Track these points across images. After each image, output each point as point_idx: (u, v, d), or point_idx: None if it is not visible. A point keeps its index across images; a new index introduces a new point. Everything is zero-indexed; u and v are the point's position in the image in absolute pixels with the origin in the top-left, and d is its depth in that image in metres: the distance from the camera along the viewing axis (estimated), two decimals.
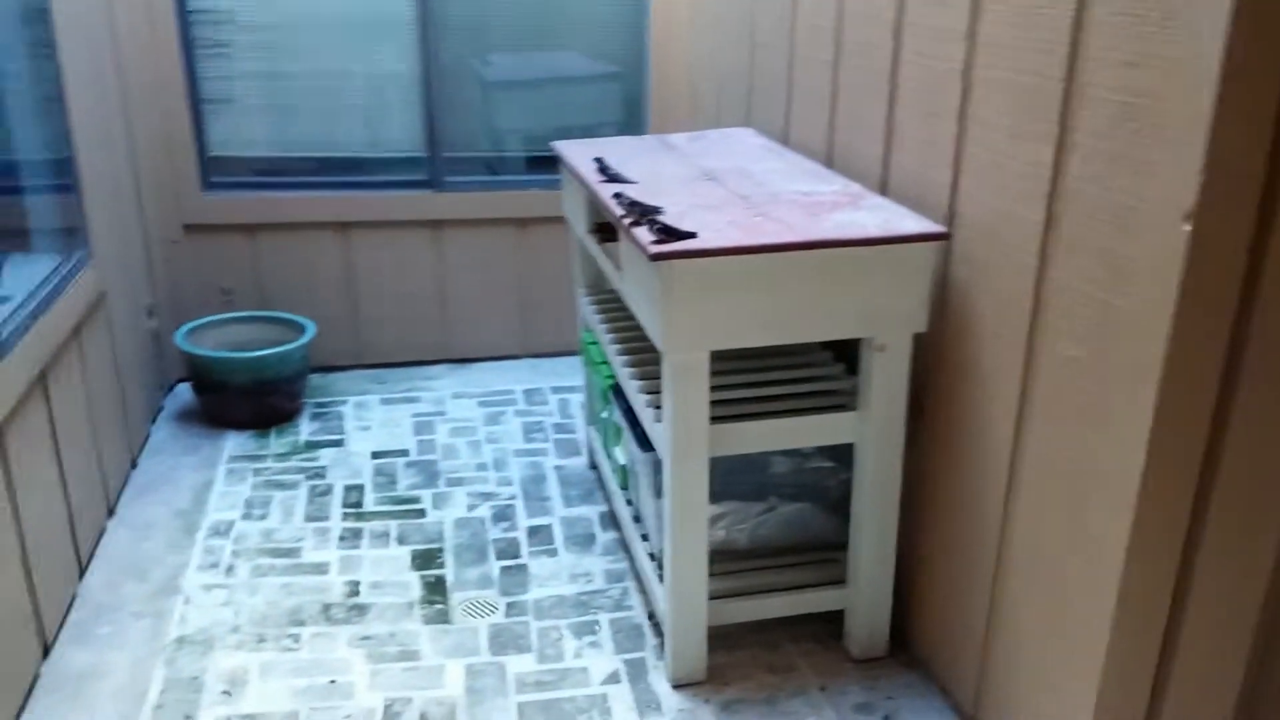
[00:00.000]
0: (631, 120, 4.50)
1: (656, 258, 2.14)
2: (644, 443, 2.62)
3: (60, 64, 3.04)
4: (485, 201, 4.33)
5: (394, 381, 4.26)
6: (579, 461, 3.62)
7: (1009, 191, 2.08)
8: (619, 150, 3.10)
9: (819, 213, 2.38)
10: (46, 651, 2.59)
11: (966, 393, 2.30)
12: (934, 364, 2.44)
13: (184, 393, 4.02)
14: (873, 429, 2.42)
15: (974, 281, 2.23)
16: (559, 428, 3.87)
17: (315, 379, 4.20)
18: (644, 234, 2.23)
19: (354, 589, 2.87)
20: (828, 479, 2.68)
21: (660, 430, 2.41)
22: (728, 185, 2.67)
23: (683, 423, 2.31)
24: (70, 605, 2.77)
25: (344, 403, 4.05)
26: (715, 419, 2.36)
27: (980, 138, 2.18)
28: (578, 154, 3.04)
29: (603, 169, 2.79)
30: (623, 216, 2.38)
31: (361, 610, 2.78)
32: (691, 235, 2.21)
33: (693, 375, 2.27)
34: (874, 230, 2.25)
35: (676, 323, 2.21)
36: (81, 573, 2.90)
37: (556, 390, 4.18)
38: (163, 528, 3.15)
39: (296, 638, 2.66)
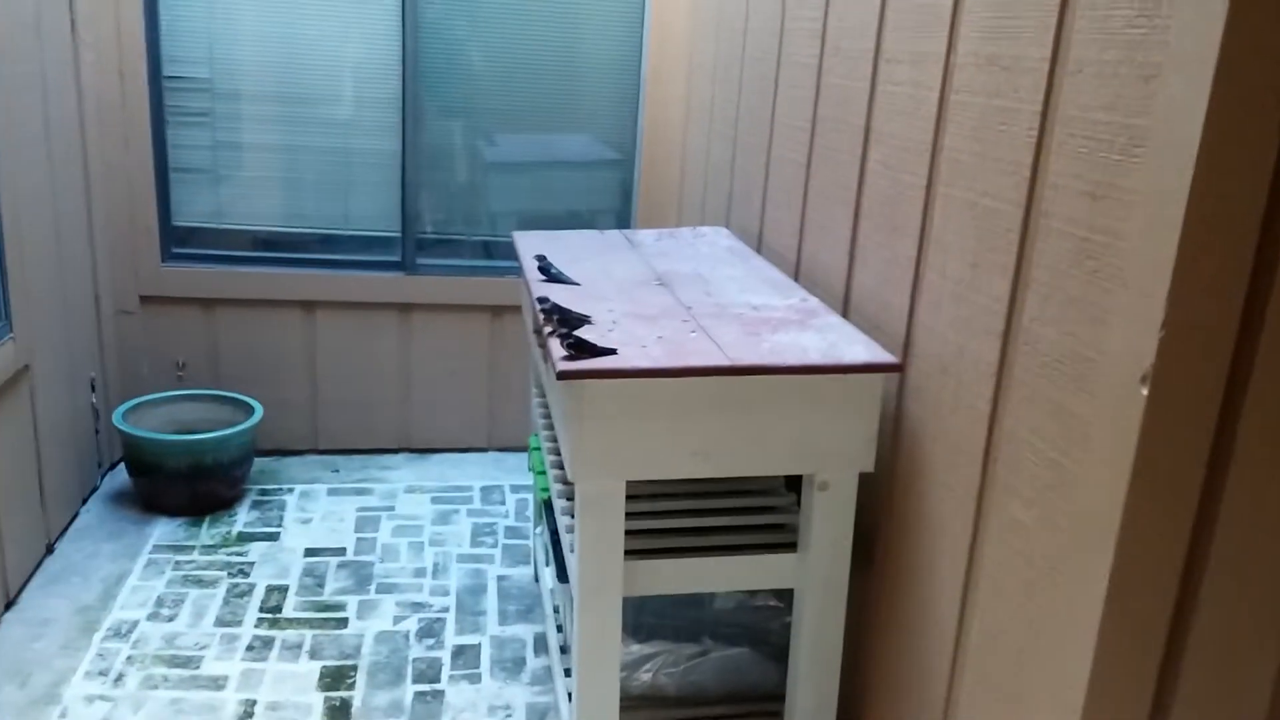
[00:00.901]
0: (622, 210, 4.31)
1: (562, 375, 1.91)
2: (563, 571, 2.37)
3: None
4: (458, 287, 4.13)
5: (348, 470, 4.03)
6: (525, 572, 3.36)
7: (965, 325, 1.84)
8: (576, 245, 2.89)
9: (760, 331, 2.14)
10: None
11: (916, 546, 2.04)
12: (884, 508, 2.18)
13: (125, 472, 3.80)
14: (812, 575, 2.15)
15: (925, 421, 1.98)
16: (511, 532, 3.62)
17: (265, 463, 3.97)
18: (556, 346, 2.00)
19: (249, 710, 2.61)
20: (771, 621, 2.42)
21: (572, 562, 2.16)
22: (676, 293, 2.45)
23: (593, 558, 2.05)
24: None
25: (290, 491, 3.81)
26: (635, 552, 2.11)
27: (938, 262, 1.95)
28: (529, 247, 2.83)
29: (544, 268, 2.58)
30: (543, 324, 2.16)
31: None
32: (610, 352, 1.98)
33: (605, 507, 2.02)
34: (814, 356, 2.01)
35: (585, 448, 1.97)
36: None
37: (516, 489, 3.94)
38: (60, 625, 2.91)
39: None
